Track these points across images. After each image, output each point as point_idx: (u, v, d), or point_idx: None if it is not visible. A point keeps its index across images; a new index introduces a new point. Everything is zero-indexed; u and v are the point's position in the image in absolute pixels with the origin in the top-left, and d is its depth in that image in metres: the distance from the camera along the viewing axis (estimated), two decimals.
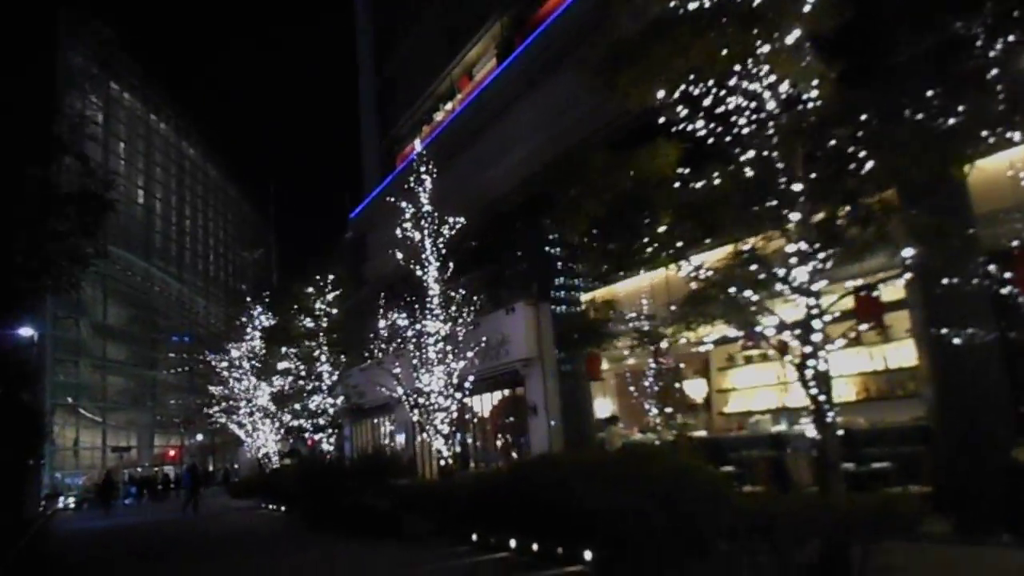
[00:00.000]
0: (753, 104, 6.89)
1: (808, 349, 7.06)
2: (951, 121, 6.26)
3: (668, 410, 15.12)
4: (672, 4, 6.97)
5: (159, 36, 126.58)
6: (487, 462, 18.04)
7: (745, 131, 6.81)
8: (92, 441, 56.59)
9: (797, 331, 7.04)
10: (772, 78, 6.89)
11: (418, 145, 15.42)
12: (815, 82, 6.96)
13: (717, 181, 6.81)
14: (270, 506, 23.91)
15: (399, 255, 14.26)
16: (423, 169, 14.38)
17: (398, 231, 14.27)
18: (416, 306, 13.96)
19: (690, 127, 7.01)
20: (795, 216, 6.81)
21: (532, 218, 15.02)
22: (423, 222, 14.13)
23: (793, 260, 6.70)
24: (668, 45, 6.61)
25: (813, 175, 6.81)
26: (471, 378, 14.13)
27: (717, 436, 13.74)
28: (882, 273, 8.89)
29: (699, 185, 6.86)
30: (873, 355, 12.63)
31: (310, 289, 20.58)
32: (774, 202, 6.74)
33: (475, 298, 14.29)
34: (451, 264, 13.93)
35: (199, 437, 63.84)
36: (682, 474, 7.95)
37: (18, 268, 8.78)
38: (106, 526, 24.83)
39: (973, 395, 9.12)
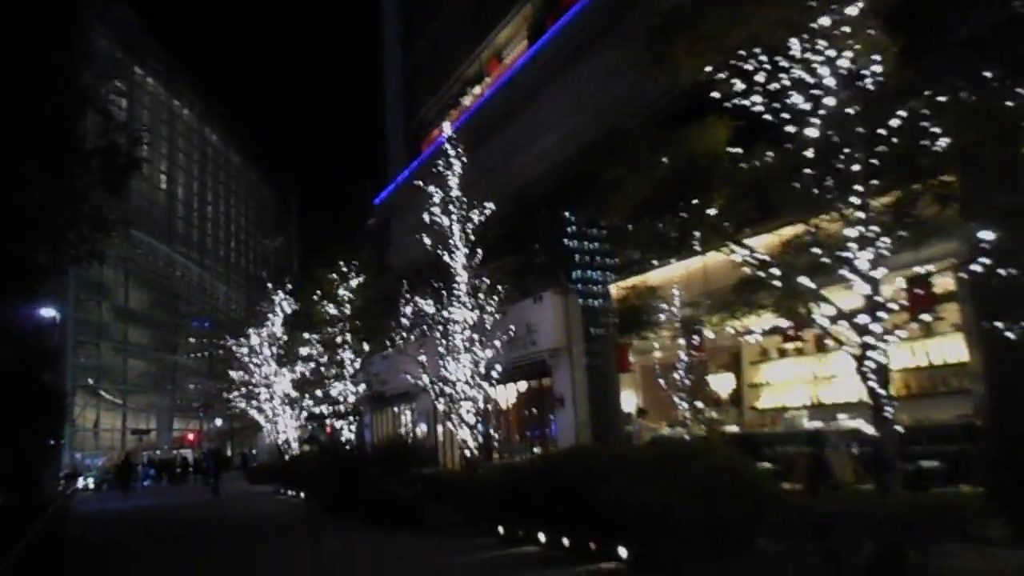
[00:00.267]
0: (811, 79, 6.47)
1: (869, 340, 6.64)
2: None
3: (699, 404, 14.77)
4: None
5: (183, 21, 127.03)
6: (511, 454, 17.73)
7: (802, 107, 6.39)
8: (112, 423, 57.22)
9: (856, 321, 6.62)
10: (831, 52, 6.47)
11: (447, 128, 14.98)
12: (877, 57, 6.53)
13: (772, 160, 6.39)
14: (289, 492, 23.82)
15: (427, 240, 13.91)
16: (452, 153, 14.02)
17: (426, 216, 13.93)
18: (443, 292, 13.64)
19: (743, 103, 6.60)
20: (855, 199, 6.40)
21: (563, 204, 14.65)
22: (451, 207, 13.77)
23: (854, 245, 6.28)
24: (726, 14, 6.22)
25: (875, 154, 6.38)
26: (498, 367, 13.79)
27: (751, 432, 13.33)
28: (936, 263, 8.45)
29: (754, 164, 6.43)
30: (915, 351, 12.17)
31: (333, 275, 20.32)
32: (831, 183, 6.33)
33: (502, 286, 13.94)
34: (480, 250, 13.56)
35: (218, 422, 64.19)
36: (724, 470, 7.60)
37: (39, 234, 8.54)
38: (124, 508, 24.89)
39: None
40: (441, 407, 14.13)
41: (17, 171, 7.77)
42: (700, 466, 7.61)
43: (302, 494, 22.02)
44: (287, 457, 27.68)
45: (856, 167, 6.38)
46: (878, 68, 6.52)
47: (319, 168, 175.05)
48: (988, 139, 5.92)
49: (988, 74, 6.09)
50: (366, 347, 20.82)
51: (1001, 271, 7.07)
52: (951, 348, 11.29)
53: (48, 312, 37.68)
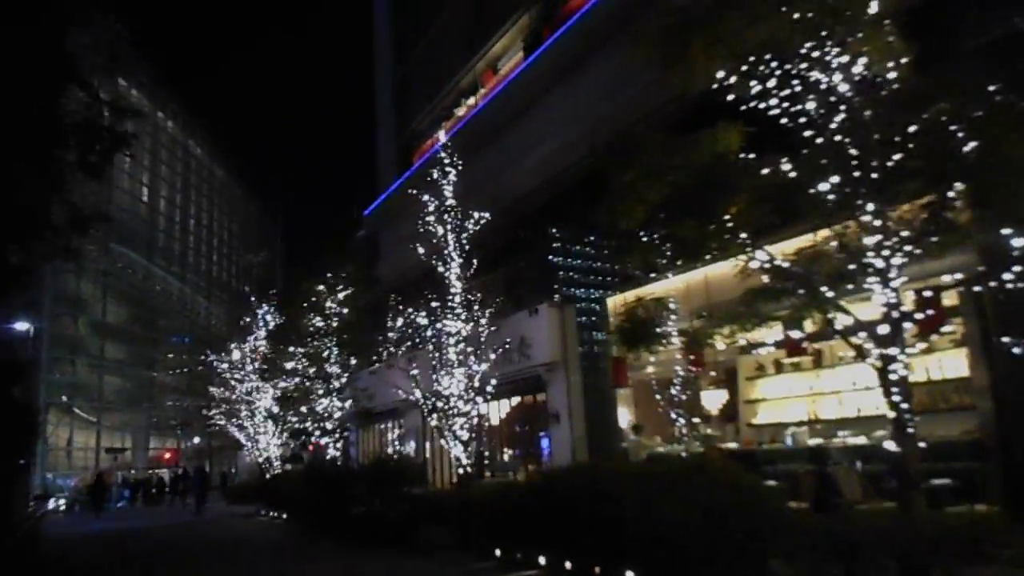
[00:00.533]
0: (828, 82, 6.27)
1: (894, 351, 6.39)
2: None
3: (696, 420, 14.50)
4: None
5: (168, 32, 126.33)
6: (503, 472, 17.29)
7: (818, 111, 6.19)
8: (86, 442, 55.74)
9: (877, 332, 6.37)
10: (845, 58, 6.28)
11: (442, 136, 14.74)
12: (890, 64, 6.36)
13: (791, 165, 6.17)
14: (271, 512, 23.13)
15: (420, 250, 13.58)
16: (447, 161, 13.74)
17: (419, 225, 13.61)
18: (437, 304, 13.29)
19: (756, 106, 6.39)
20: (873, 205, 6.19)
21: (561, 214, 14.40)
22: (446, 216, 13.47)
23: (881, 252, 6.04)
24: (743, 14, 6.02)
25: (891, 160, 6.18)
26: (493, 382, 13.43)
27: (750, 448, 13.05)
28: (943, 277, 8.29)
29: (773, 168, 6.20)
30: (914, 366, 11.97)
31: (321, 286, 19.88)
32: (850, 189, 6.12)
33: (497, 299, 13.63)
34: (475, 261, 13.24)
35: (196, 440, 62.87)
36: (735, 488, 7.29)
37: (11, 231, 8.00)
38: (96, 530, 23.97)
39: None
40: (434, 423, 13.71)
41: None
42: (710, 484, 7.30)
43: (284, 515, 21.37)
44: (268, 476, 27.01)
45: (873, 174, 6.18)
46: (893, 74, 6.36)
47: (305, 183, 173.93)
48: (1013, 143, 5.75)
49: (991, 87, 5.96)
50: (353, 362, 20.34)
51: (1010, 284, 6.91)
52: (951, 363, 11.14)
53: (21, 325, 36.93)
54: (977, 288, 7.61)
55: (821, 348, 12.96)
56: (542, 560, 8.97)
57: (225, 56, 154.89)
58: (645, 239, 7.25)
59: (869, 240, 6.20)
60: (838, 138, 6.06)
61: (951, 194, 6.06)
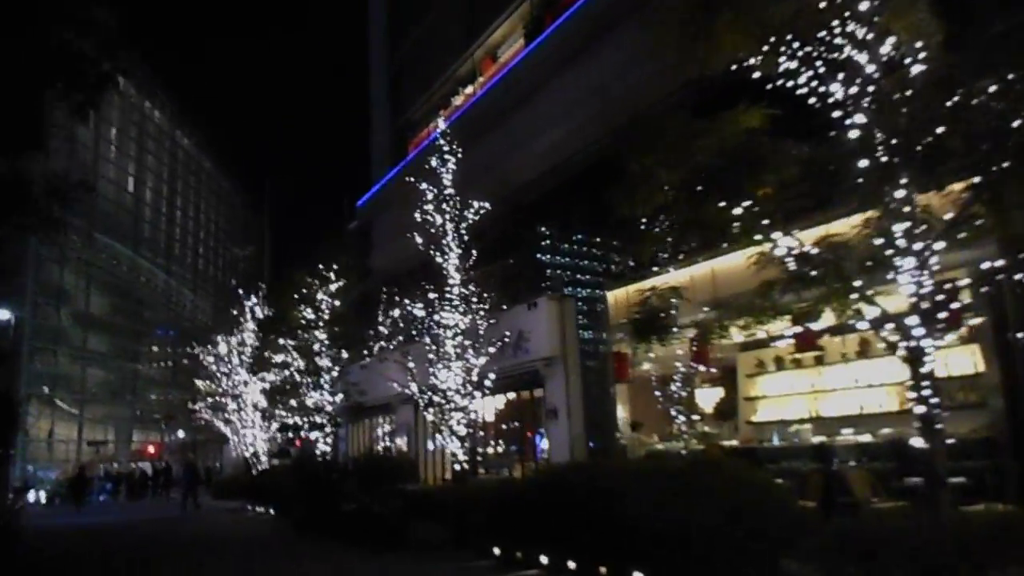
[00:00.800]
0: (854, 59, 5.95)
1: (926, 343, 6.12)
2: None
3: (696, 418, 14.27)
4: None
5: (156, 18, 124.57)
6: (496, 469, 16.97)
7: (844, 93, 5.91)
8: (67, 434, 54.98)
9: (908, 323, 6.07)
10: (874, 35, 6.00)
11: (442, 123, 14.34)
12: (919, 43, 6.09)
13: (820, 147, 5.87)
14: (258, 508, 22.71)
15: (419, 239, 13.20)
16: (446, 149, 13.38)
17: (417, 215, 13.24)
18: (434, 295, 12.92)
19: (778, 86, 6.09)
20: (902, 191, 5.91)
21: (563, 205, 14.10)
22: (445, 205, 13.11)
23: (924, 239, 5.72)
24: None
25: (920, 144, 5.89)
26: (492, 376, 13.09)
27: (752, 446, 12.82)
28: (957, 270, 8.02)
29: (803, 151, 5.89)
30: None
31: (311, 277, 19.45)
32: (879, 173, 5.82)
33: (495, 291, 13.30)
34: (474, 251, 12.89)
35: (180, 433, 62.18)
36: (746, 485, 7.04)
37: None
38: (77, 525, 23.41)
39: None
40: (430, 417, 13.36)
41: None
42: (721, 481, 7.04)
43: (272, 511, 20.97)
44: (255, 471, 26.57)
45: (901, 157, 5.89)
46: (923, 54, 6.08)
47: (296, 175, 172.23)
48: None
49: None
50: (344, 355, 19.95)
51: None
52: (958, 361, 10.93)
53: (2, 314, 36.28)
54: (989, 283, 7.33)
55: (823, 345, 12.75)
56: (544, 559, 8.65)
57: (213, 44, 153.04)
58: (658, 227, 6.93)
59: (901, 226, 5.90)
60: (862, 119, 5.75)
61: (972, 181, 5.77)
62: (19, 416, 35.06)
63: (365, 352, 22.58)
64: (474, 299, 12.94)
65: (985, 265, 6.96)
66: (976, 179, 5.56)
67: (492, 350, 12.87)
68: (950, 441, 8.45)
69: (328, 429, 19.29)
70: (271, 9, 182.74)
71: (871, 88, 5.75)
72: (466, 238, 13.05)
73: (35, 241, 51.86)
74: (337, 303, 19.65)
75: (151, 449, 59.86)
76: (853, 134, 5.70)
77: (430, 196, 13.21)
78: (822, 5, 5.91)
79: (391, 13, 30.83)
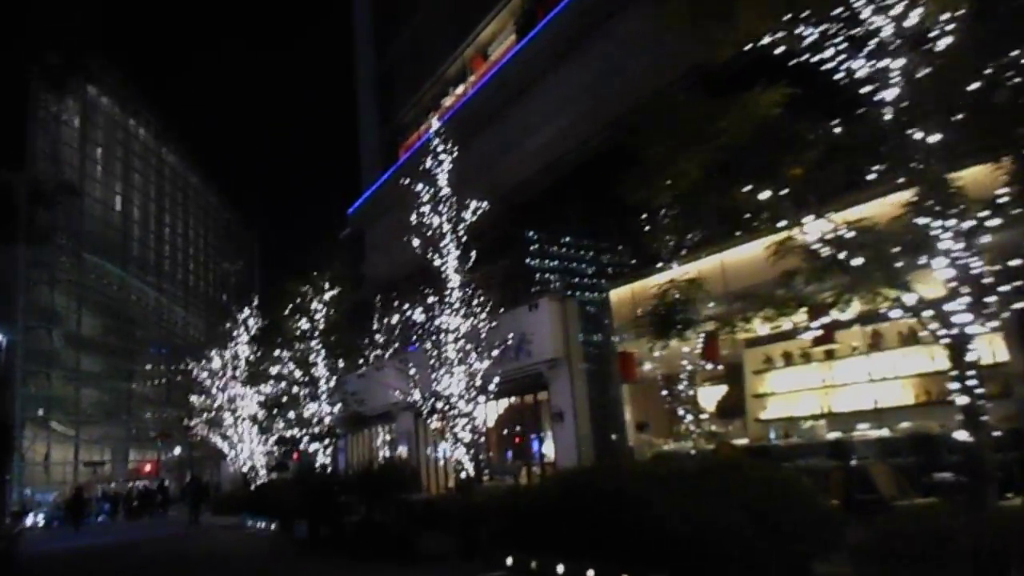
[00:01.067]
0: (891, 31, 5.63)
1: (967, 331, 5.79)
2: None
3: (704, 416, 13.97)
4: None
5: (137, 34, 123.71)
6: (500, 476, 16.61)
7: (869, 69, 5.61)
8: (64, 456, 54.54)
9: (946, 309, 5.74)
10: (900, 8, 5.70)
11: (435, 122, 14.03)
12: (945, 16, 5.80)
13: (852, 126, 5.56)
14: (258, 524, 22.27)
15: (416, 242, 12.87)
16: (441, 148, 13.08)
17: (413, 217, 12.91)
18: (434, 299, 12.59)
19: (797, 64, 5.79)
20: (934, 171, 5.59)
21: (564, 200, 13.78)
22: (441, 206, 12.78)
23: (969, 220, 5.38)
24: None
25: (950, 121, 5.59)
26: (497, 379, 12.76)
27: (765, 444, 12.52)
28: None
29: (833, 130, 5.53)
30: (934, 354, 11.55)
31: (306, 286, 19.12)
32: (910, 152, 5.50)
33: (495, 293, 12.99)
34: (473, 252, 12.56)
35: (177, 451, 61.64)
36: (775, 485, 6.73)
37: None
38: (75, 547, 22.92)
39: None
40: (434, 424, 13.02)
41: None
42: (749, 482, 6.74)
43: (273, 525, 20.55)
44: (253, 486, 26.15)
45: (933, 136, 5.59)
46: (950, 26, 5.78)
47: (284, 187, 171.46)
48: None
49: None
50: (341, 364, 19.60)
51: None
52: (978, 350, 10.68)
53: None
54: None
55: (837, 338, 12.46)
56: (560, 568, 8.29)
57: (194, 56, 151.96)
58: (676, 216, 6.62)
59: (948, 205, 5.53)
60: (896, 94, 5.45)
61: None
62: (14, 441, 34.64)
63: (360, 361, 22.26)
64: (474, 301, 12.60)
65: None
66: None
67: (495, 353, 12.52)
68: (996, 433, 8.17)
69: (327, 441, 18.90)
70: (253, 18, 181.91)
71: (899, 63, 5.44)
72: (464, 239, 12.73)
73: (24, 263, 51.72)
74: (332, 312, 19.32)
75: (148, 467, 59.31)
76: (884, 111, 5.38)
77: (426, 197, 12.89)
78: None
79: (377, 16, 30.50)
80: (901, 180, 5.42)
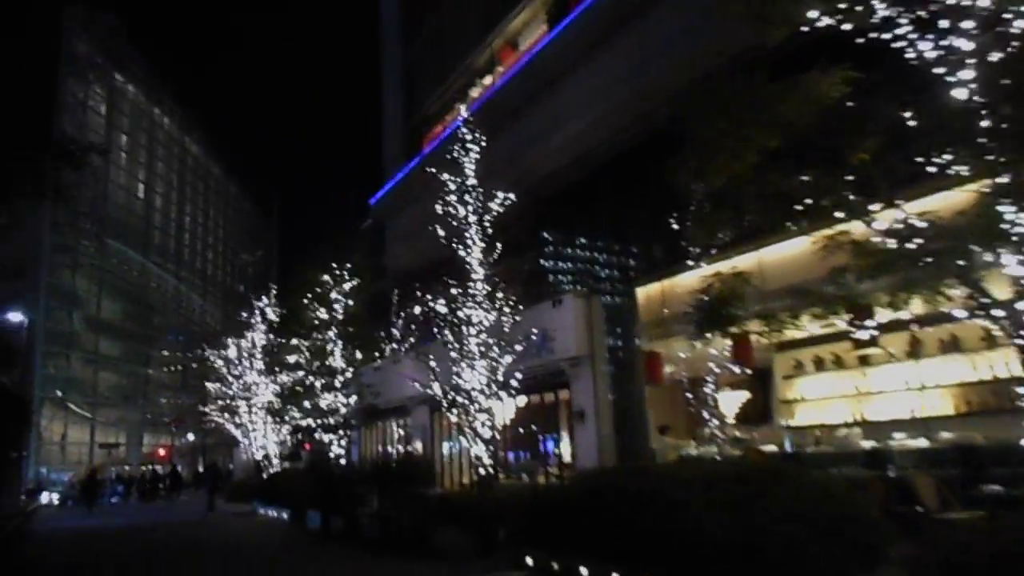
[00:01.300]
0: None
1: None
2: None
3: (730, 421, 13.57)
4: None
5: (165, 24, 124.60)
6: (517, 474, 16.29)
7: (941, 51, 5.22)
8: (80, 437, 55.19)
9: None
10: None
11: (463, 111, 13.71)
12: None
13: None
14: (271, 512, 22.14)
15: (440, 232, 12.56)
16: (469, 138, 12.76)
17: (439, 206, 12.60)
18: (457, 291, 12.27)
19: (862, 44, 5.40)
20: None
21: (586, 198, 13.41)
22: (467, 197, 12.47)
23: None
24: None
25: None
26: (518, 375, 12.42)
27: (797, 452, 12.11)
28: None
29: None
30: (976, 363, 11.10)
31: (325, 276, 18.91)
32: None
33: (519, 287, 12.66)
34: (499, 244, 12.23)
35: (190, 436, 62.10)
36: (823, 492, 6.37)
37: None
38: (87, 527, 22.92)
39: None
40: (454, 419, 12.72)
41: None
42: (793, 488, 6.38)
43: (285, 515, 20.39)
44: (266, 474, 26.05)
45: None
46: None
47: (306, 177, 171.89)
48: None
49: None
50: (359, 356, 19.38)
51: None
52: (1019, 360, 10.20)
53: (15, 316, 36.23)
54: None
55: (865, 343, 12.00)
56: (584, 571, 7.97)
57: (220, 48, 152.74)
58: (715, 207, 6.25)
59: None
60: (970, 75, 5.04)
61: None
62: (31, 416, 34.96)
63: (377, 354, 22.04)
64: (498, 295, 12.27)
65: None
66: None
67: (519, 348, 12.19)
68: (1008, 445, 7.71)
69: (342, 432, 18.68)
70: (279, 7, 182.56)
71: (972, 44, 5.04)
72: (490, 231, 12.40)
73: (48, 245, 52.24)
74: (351, 302, 19.10)
75: (161, 452, 59.85)
76: (958, 93, 4.98)
77: (452, 187, 12.58)
78: None
79: (404, 4, 30.16)
80: (970, 170, 4.98)
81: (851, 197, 5.32)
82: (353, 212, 31.09)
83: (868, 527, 6.14)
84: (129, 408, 62.00)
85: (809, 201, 5.46)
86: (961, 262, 5.00)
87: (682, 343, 12.89)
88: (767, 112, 5.41)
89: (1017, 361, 9.34)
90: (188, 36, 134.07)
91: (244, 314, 28.80)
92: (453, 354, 12.33)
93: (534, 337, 12.59)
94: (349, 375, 19.07)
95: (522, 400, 16.22)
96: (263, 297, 26.93)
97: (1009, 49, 5.12)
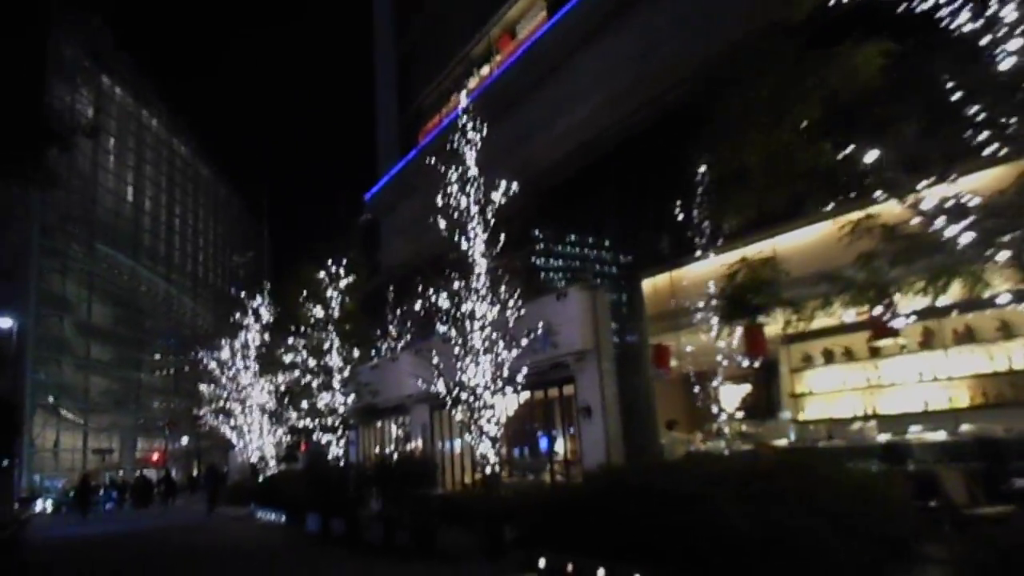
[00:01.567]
0: None
1: None
2: None
3: (740, 415, 13.32)
4: None
5: (150, 24, 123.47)
6: (522, 472, 15.96)
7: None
8: (73, 443, 54.73)
9: None
10: None
11: (463, 99, 13.35)
12: None
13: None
14: (269, 515, 21.77)
15: (442, 223, 12.22)
16: (470, 126, 12.43)
17: (439, 198, 12.27)
18: (460, 284, 11.95)
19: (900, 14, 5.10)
20: None
21: (589, 188, 13.07)
22: (469, 187, 12.14)
23: None
24: None
25: None
26: (524, 371, 12.11)
27: (808, 446, 11.85)
28: None
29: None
30: (993, 354, 10.88)
31: (321, 273, 18.55)
32: None
33: (522, 280, 12.36)
34: (502, 235, 11.91)
35: (184, 440, 61.59)
36: (857, 487, 6.08)
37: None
38: (82, 534, 22.50)
39: None
40: (458, 416, 12.40)
41: None
42: (821, 484, 6.09)
43: (283, 517, 20.04)
44: (262, 476, 25.67)
45: None
46: None
47: (295, 179, 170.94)
48: None
49: None
50: (356, 354, 19.04)
51: None
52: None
53: (4, 322, 35.75)
54: None
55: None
56: (601, 572, 7.66)
57: (209, 42, 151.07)
58: (735, 190, 5.93)
59: None
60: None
61: None
62: (21, 422, 34.49)
63: (373, 352, 21.68)
64: (502, 288, 11.95)
65: None
66: None
67: (524, 342, 11.87)
68: None
69: (340, 432, 18.33)
70: (267, 1, 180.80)
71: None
72: (492, 222, 12.08)
73: (36, 249, 51.63)
74: (347, 300, 18.76)
75: (155, 456, 59.39)
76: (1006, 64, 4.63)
77: (454, 177, 12.24)
78: None
79: None
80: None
81: (896, 174, 4.99)
82: (346, 209, 30.72)
83: (899, 523, 5.86)
84: (122, 413, 61.54)
85: (850, 178, 5.14)
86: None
87: (690, 336, 12.65)
88: (810, 80, 5.06)
89: None
90: (175, 35, 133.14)
91: (237, 314, 28.41)
92: (457, 349, 12.01)
93: (540, 330, 12.25)
94: (346, 374, 18.72)
95: (526, 396, 15.92)
96: (256, 296, 26.53)
97: None
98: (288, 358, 20.81)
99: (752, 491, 6.00)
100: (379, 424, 23.42)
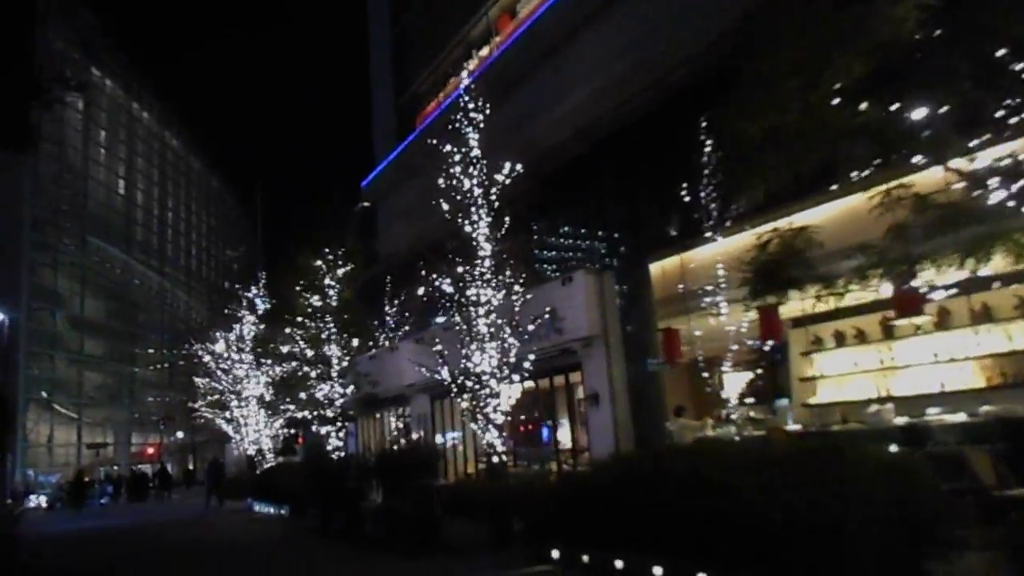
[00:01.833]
0: None
1: None
2: None
3: (750, 400, 13.04)
4: None
5: (140, 15, 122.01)
6: (526, 462, 15.63)
7: None
8: (67, 438, 54.28)
9: None
10: None
11: (464, 78, 12.97)
12: None
13: None
14: (267, 509, 21.45)
15: (444, 206, 11.83)
16: (472, 106, 12.03)
17: (440, 180, 11.88)
18: (463, 269, 11.58)
19: None
20: None
21: (593, 170, 12.66)
22: (471, 168, 11.75)
23: None
24: None
25: None
26: (532, 357, 11.76)
27: (824, 431, 11.56)
28: None
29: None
30: (1011, 333, 10.61)
31: (318, 261, 18.16)
32: None
33: (526, 264, 12.02)
34: (506, 218, 11.53)
35: (179, 434, 61.23)
36: (889, 471, 5.77)
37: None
38: (76, 529, 22.16)
39: None
40: (464, 405, 12.06)
41: None
42: (851, 469, 5.78)
43: (282, 511, 19.72)
44: (259, 469, 25.34)
45: None
46: None
47: (289, 169, 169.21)
48: None
49: None
50: (355, 343, 18.69)
51: None
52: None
53: None
54: None
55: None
56: (619, 563, 7.33)
57: (200, 30, 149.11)
58: (762, 157, 5.57)
59: None
60: None
61: None
62: (15, 418, 34.11)
63: (371, 343, 21.33)
64: (507, 272, 11.59)
65: None
66: None
67: (531, 328, 11.53)
68: None
69: (341, 423, 17.99)
70: None
71: None
72: (496, 204, 11.70)
73: (28, 245, 51.01)
74: (344, 289, 18.39)
75: (150, 451, 59.09)
76: None
77: (456, 158, 11.85)
78: None
79: None
80: None
81: (946, 131, 4.63)
82: (342, 198, 30.28)
83: (929, 506, 5.56)
84: (116, 407, 61.09)
85: (895, 137, 4.78)
86: None
87: (699, 320, 12.34)
88: (857, 32, 4.67)
89: None
90: (165, 23, 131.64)
91: (231, 306, 28.03)
92: (462, 336, 11.65)
93: (546, 315, 11.91)
94: (345, 364, 18.37)
95: (531, 384, 15.60)
96: (251, 287, 26.14)
97: None
98: (285, 348, 20.44)
99: (773, 477, 5.69)
100: (378, 415, 23.10)
